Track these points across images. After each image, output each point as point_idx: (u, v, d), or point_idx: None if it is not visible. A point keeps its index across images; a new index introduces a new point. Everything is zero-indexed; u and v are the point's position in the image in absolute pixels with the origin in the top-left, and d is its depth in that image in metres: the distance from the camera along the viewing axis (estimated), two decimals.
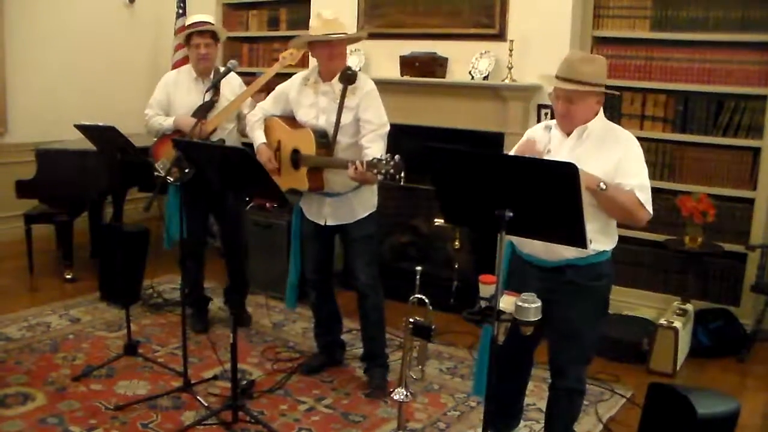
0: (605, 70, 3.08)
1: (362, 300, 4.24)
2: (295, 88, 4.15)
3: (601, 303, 3.22)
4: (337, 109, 3.92)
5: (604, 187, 2.87)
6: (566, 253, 3.01)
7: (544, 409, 3.47)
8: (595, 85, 2.99)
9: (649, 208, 3.03)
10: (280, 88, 4.24)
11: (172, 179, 4.41)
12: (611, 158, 2.98)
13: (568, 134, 3.09)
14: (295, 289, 4.36)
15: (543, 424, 3.47)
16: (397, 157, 3.49)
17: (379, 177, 3.55)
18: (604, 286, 3.19)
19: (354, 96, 3.94)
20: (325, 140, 3.92)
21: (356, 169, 3.63)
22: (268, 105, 4.26)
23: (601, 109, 3.13)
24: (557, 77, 3.02)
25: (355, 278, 4.20)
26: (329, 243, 4.29)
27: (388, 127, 4.01)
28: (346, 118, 3.93)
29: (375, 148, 3.84)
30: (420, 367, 3.18)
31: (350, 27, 3.97)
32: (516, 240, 3.19)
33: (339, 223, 4.13)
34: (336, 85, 3.98)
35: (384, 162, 3.50)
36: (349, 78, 3.92)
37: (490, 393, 2.78)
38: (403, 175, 3.50)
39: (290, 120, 4.14)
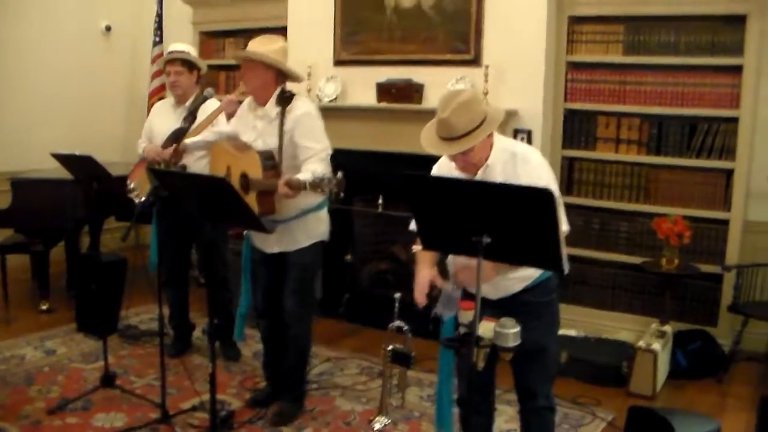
0: (480, 103, 2.93)
1: (285, 328, 4.14)
2: (242, 112, 4.12)
3: (556, 317, 3.24)
4: (278, 132, 3.86)
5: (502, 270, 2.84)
6: (514, 287, 3.03)
7: None
8: (477, 130, 2.87)
9: (565, 227, 2.90)
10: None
11: (137, 200, 4.47)
12: None
13: (474, 174, 3.03)
14: (244, 319, 4.28)
15: None
16: (339, 174, 3.42)
17: (324, 194, 3.49)
18: (555, 300, 3.20)
19: (288, 119, 3.87)
20: (271, 162, 3.80)
21: (285, 184, 3.55)
22: (227, 127, 4.27)
23: (496, 135, 3.03)
24: (441, 138, 2.91)
25: (283, 305, 4.11)
26: (278, 271, 4.11)
27: (329, 150, 3.92)
28: (282, 140, 3.88)
29: (316, 169, 3.70)
30: (400, 394, 3.17)
31: (283, 60, 3.87)
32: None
33: (283, 251, 4.03)
34: (271, 108, 3.91)
35: (326, 181, 3.42)
36: (283, 101, 3.89)
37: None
38: (342, 195, 3.43)
39: (237, 143, 4.06)
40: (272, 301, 4.19)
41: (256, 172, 3.76)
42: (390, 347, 3.01)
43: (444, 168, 3.20)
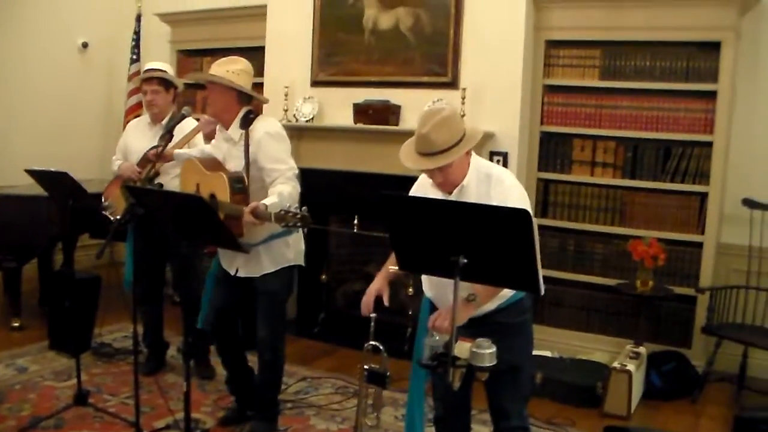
0: (459, 121, 2.98)
1: (258, 355, 4.10)
2: (217, 133, 4.08)
3: (529, 337, 3.23)
4: (243, 155, 3.82)
5: (474, 299, 2.84)
6: (488, 306, 3.01)
7: None
8: (456, 146, 2.91)
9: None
10: None
11: (112, 217, 4.51)
12: None
13: (449, 192, 3.06)
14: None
15: None
16: (304, 209, 3.35)
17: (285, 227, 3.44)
18: (528, 321, 3.19)
19: (252, 142, 3.82)
20: (240, 186, 3.76)
21: (250, 212, 3.51)
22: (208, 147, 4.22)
23: (473, 154, 3.07)
24: (420, 153, 2.95)
25: (256, 332, 4.06)
26: (235, 293, 4.05)
27: (295, 170, 3.85)
28: (249, 162, 3.84)
29: (283, 191, 3.67)
30: (375, 414, 3.16)
31: (244, 82, 3.84)
32: (433, 297, 3.19)
33: (248, 275, 3.97)
34: (234, 131, 3.88)
35: (291, 215, 3.35)
36: (246, 123, 3.86)
37: None
38: (306, 231, 3.42)
39: (210, 161, 3.98)
40: (223, 320, 4.14)
41: (223, 194, 3.73)
42: (365, 367, 3.01)
43: (422, 188, 3.22)
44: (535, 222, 2.93)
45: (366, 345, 3.05)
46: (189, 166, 4.05)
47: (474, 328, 2.87)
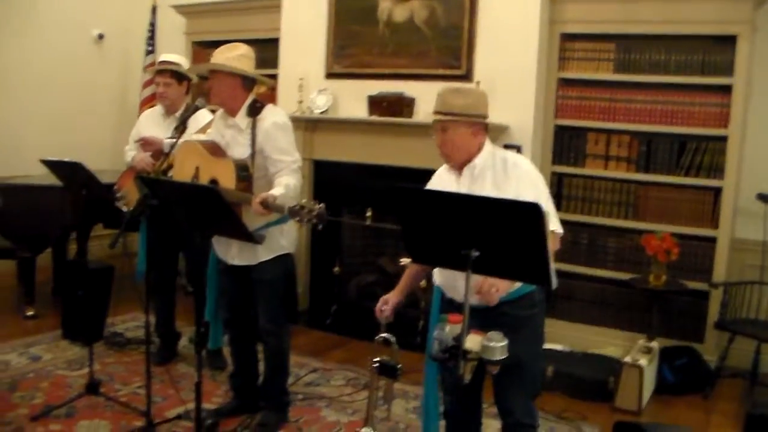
0: (481, 101, 3.08)
1: (263, 343, 4.14)
2: (216, 120, 4.08)
3: (538, 331, 3.20)
4: (250, 143, 3.81)
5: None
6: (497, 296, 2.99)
7: None
8: (463, 116, 3.01)
9: (560, 229, 3.04)
10: None
11: (124, 208, 4.55)
12: (507, 193, 2.96)
13: (461, 173, 3.11)
14: (215, 327, 4.25)
15: None
16: (321, 206, 3.35)
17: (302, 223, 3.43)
18: (538, 314, 3.16)
19: (258, 131, 3.82)
20: (245, 174, 3.75)
21: (259, 203, 3.52)
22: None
23: (488, 142, 3.13)
24: (433, 112, 3.07)
25: (257, 321, 4.08)
26: (242, 282, 4.05)
27: (299, 162, 3.88)
28: (255, 151, 3.83)
29: (290, 183, 3.71)
30: (386, 406, 3.17)
31: (246, 66, 3.83)
32: (444, 286, 3.19)
33: (244, 264, 3.98)
34: (242, 119, 3.87)
35: (306, 210, 3.35)
36: (254, 111, 3.85)
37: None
38: (321, 227, 3.37)
39: (212, 146, 3.95)
40: (237, 312, 4.17)
41: (228, 181, 3.71)
42: (376, 359, 3.01)
43: (438, 178, 3.24)
44: (552, 203, 2.95)
45: (377, 337, 3.05)
46: (189, 147, 3.98)
47: (480, 320, 2.88)
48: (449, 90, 3.07)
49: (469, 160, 3.08)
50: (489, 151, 3.10)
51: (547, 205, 2.97)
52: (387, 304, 3.21)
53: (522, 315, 3.07)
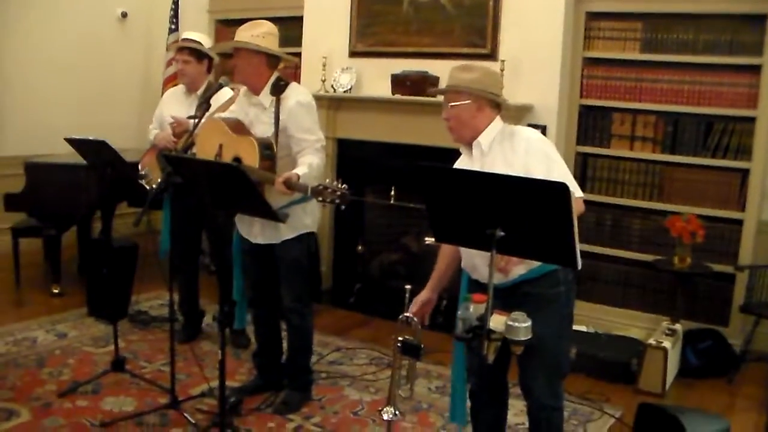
0: (489, 78, 3.06)
1: (286, 322, 4.16)
2: (239, 98, 4.07)
3: (562, 311, 3.08)
4: (273, 121, 3.81)
5: None
6: (517, 269, 2.96)
7: None
8: (467, 89, 3.00)
9: (579, 193, 2.94)
10: None
11: (148, 186, 4.61)
12: (515, 164, 2.95)
13: (468, 145, 3.12)
14: (241, 306, 4.25)
15: None
16: (344, 186, 3.36)
17: (325, 203, 3.45)
18: (563, 293, 3.06)
19: (282, 109, 3.81)
20: (269, 152, 3.74)
21: (282, 183, 3.53)
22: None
23: (498, 119, 3.09)
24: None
25: (281, 299, 4.10)
26: (266, 261, 4.07)
27: (323, 141, 3.88)
28: (278, 130, 3.82)
29: (313, 162, 3.72)
30: (409, 385, 3.17)
31: (270, 44, 3.82)
32: (466, 266, 3.17)
33: (267, 242, 4.01)
34: (265, 97, 3.86)
35: (330, 190, 3.36)
36: (278, 90, 3.84)
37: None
38: (344, 207, 3.38)
39: (236, 124, 3.93)
40: (261, 291, 4.20)
41: (251, 159, 3.70)
42: (399, 338, 3.00)
43: (461, 159, 3.21)
44: (569, 176, 2.92)
45: (400, 317, 3.04)
46: (212, 125, 3.98)
47: (503, 299, 2.84)
48: (458, 66, 3.09)
49: (475, 137, 3.07)
50: (497, 128, 3.07)
51: (561, 170, 2.95)
52: (417, 305, 3.20)
53: (545, 294, 3.01)
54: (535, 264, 2.96)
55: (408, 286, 3.12)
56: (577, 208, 2.81)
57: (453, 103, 3.04)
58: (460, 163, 3.18)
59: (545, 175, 2.82)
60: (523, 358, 2.91)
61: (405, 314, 3.06)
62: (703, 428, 3.19)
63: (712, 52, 5.16)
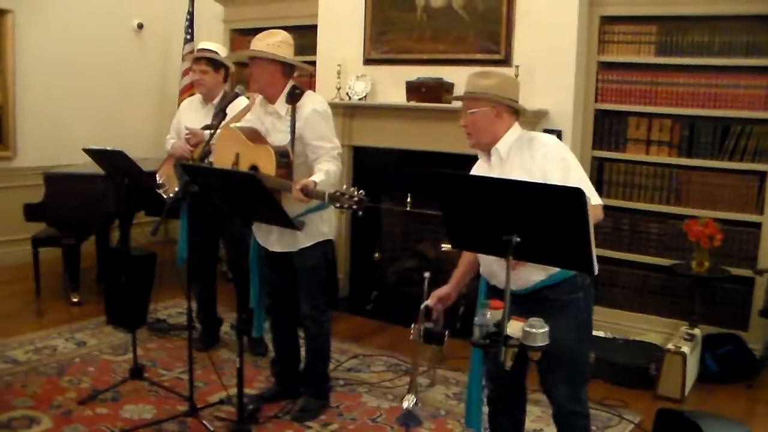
0: (507, 84, 3.08)
1: (304, 329, 4.18)
2: (255, 107, 4.09)
3: (581, 316, 3.07)
4: (289, 129, 3.83)
5: None
6: (533, 276, 2.97)
7: None
8: (485, 95, 3.00)
9: (596, 200, 2.94)
10: None
11: (165, 195, 4.63)
12: (534, 171, 2.94)
13: (486, 152, 3.11)
14: (259, 314, 4.26)
15: None
16: (361, 192, 3.38)
17: (342, 209, 3.46)
18: (582, 299, 3.05)
19: (298, 117, 3.83)
20: (285, 160, 3.76)
21: (299, 190, 3.54)
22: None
23: (516, 125, 3.10)
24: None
25: (299, 307, 4.11)
26: (283, 268, 4.09)
27: (339, 149, 3.91)
28: (294, 138, 3.84)
29: (329, 169, 3.74)
30: (431, 372, 3.13)
31: (285, 52, 3.86)
32: (485, 272, 3.17)
33: (285, 250, 4.00)
34: (281, 105, 3.89)
35: (347, 197, 3.38)
36: (293, 98, 3.86)
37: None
38: (361, 213, 3.39)
39: (251, 132, 3.95)
40: (279, 298, 4.21)
41: (268, 167, 3.72)
42: (423, 326, 2.99)
43: (479, 166, 3.22)
44: (587, 182, 2.92)
45: (421, 306, 3.04)
46: (229, 134, 4.01)
47: (521, 305, 2.87)
48: (476, 72, 3.10)
49: (493, 144, 3.07)
50: (515, 134, 3.08)
51: (579, 176, 2.94)
52: (435, 298, 3.20)
53: (563, 300, 3.01)
54: (554, 270, 2.96)
55: (427, 274, 3.11)
56: (596, 215, 2.82)
57: (472, 110, 3.04)
58: (478, 169, 3.18)
59: (562, 181, 2.83)
60: (542, 364, 2.89)
61: (425, 303, 3.06)
62: None
63: (728, 54, 5.14)
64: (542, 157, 2.96)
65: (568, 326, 2.99)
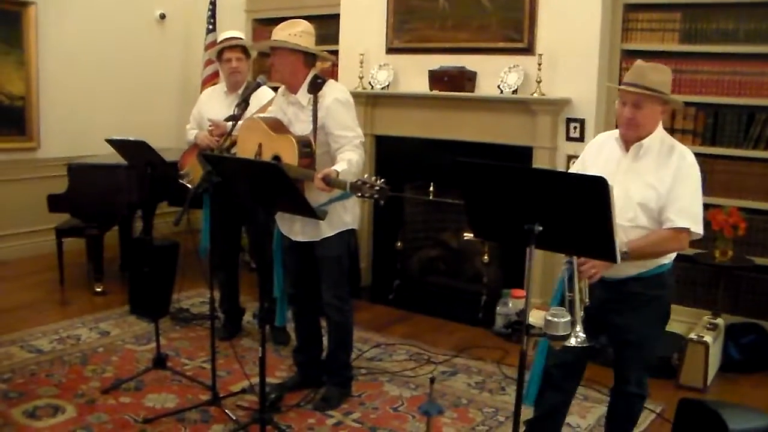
0: (670, 81, 3.12)
1: (326, 318, 4.18)
2: (277, 97, 4.11)
3: (663, 312, 3.23)
4: (311, 119, 3.83)
5: (626, 254, 2.88)
6: (629, 270, 3.05)
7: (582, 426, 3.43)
8: (661, 93, 3.02)
9: (696, 229, 3.03)
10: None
11: (188, 185, 4.64)
12: (664, 180, 3.01)
13: (627, 149, 3.12)
14: (282, 303, 4.27)
15: None
16: (382, 181, 3.38)
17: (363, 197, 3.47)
18: (667, 296, 3.20)
19: (320, 107, 3.83)
20: (308, 150, 3.77)
21: (321, 179, 3.55)
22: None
23: (661, 123, 3.14)
24: (626, 83, 3.06)
25: (321, 296, 4.11)
26: (306, 258, 4.09)
27: (362, 138, 3.90)
28: (316, 127, 3.84)
29: (352, 158, 3.73)
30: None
31: (307, 42, 3.86)
32: None
33: (307, 240, 4.01)
34: (303, 95, 3.89)
35: (368, 186, 3.39)
36: (315, 88, 3.86)
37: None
38: (383, 203, 3.40)
39: (274, 122, 3.97)
40: (300, 287, 4.22)
41: (291, 157, 3.73)
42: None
43: (596, 145, 3.31)
44: (700, 210, 3.03)
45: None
46: (252, 125, 4.02)
47: (608, 292, 3.04)
48: (648, 65, 3.08)
49: (641, 138, 3.09)
50: (659, 137, 3.12)
51: (695, 203, 3.04)
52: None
53: (649, 294, 3.11)
54: (651, 264, 3.05)
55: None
56: (677, 243, 3.01)
57: (644, 105, 3.04)
58: (602, 154, 3.22)
59: (689, 203, 2.99)
60: (624, 351, 3.21)
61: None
62: (745, 424, 3.14)
63: (754, 41, 5.07)
64: (677, 169, 3.03)
65: (650, 320, 3.16)
